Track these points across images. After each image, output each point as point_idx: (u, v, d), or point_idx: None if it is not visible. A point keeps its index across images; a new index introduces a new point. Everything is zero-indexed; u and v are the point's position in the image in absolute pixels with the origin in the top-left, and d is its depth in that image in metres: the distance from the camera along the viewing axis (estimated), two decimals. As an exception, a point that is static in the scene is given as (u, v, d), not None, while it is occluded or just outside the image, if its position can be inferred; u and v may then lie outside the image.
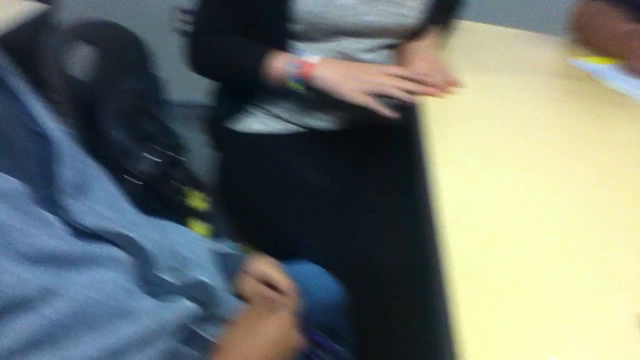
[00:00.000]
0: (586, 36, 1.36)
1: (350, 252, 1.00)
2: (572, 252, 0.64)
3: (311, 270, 0.96)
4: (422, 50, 1.14)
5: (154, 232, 0.69)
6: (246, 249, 0.94)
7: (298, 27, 1.09)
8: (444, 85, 1.04)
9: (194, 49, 1.15)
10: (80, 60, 1.13)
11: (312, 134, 1.20)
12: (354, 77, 1.03)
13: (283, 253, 0.93)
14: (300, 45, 1.12)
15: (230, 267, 0.79)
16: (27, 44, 1.25)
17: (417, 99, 1.02)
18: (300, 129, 1.20)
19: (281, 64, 1.05)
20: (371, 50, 1.14)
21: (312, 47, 1.11)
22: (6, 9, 1.49)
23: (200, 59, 1.16)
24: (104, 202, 0.67)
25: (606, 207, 0.73)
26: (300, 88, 1.06)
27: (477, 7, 1.29)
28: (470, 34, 1.37)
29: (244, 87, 1.17)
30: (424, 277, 0.67)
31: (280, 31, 1.09)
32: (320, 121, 1.18)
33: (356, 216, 1.04)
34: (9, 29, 1.38)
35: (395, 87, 1.01)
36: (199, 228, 1.07)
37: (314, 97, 1.10)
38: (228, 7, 1.10)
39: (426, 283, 0.67)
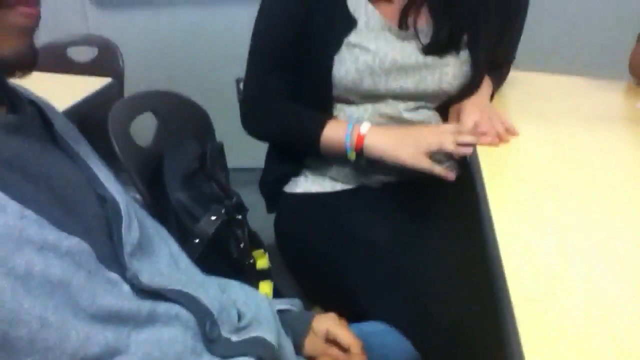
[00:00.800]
0: None
1: (418, 309, 0.97)
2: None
3: (380, 329, 0.94)
4: (474, 102, 1.14)
5: (217, 291, 0.70)
6: (308, 308, 0.94)
7: (337, 92, 1.12)
8: (501, 133, 1.03)
9: (248, 113, 1.19)
10: (143, 129, 1.19)
11: (367, 189, 1.19)
12: (410, 141, 1.04)
13: (350, 312, 0.91)
14: (343, 107, 1.14)
15: (294, 326, 0.78)
16: (96, 115, 1.34)
17: (474, 150, 1.01)
18: (351, 186, 1.20)
19: (336, 134, 1.07)
20: (414, 109, 1.15)
21: (356, 109, 1.14)
22: (79, 85, 1.60)
23: (257, 123, 1.19)
24: (168, 262, 0.68)
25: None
26: (354, 158, 1.08)
27: (529, 56, 1.28)
28: (525, 84, 1.36)
29: (299, 151, 1.19)
30: (497, 333, 0.64)
31: (323, 95, 1.13)
32: (374, 180, 1.18)
33: (421, 270, 1.02)
34: (80, 101, 1.48)
35: (452, 142, 1.01)
36: (263, 286, 1.07)
37: (370, 164, 1.11)
38: (275, 72, 1.14)
39: (500, 341, 0.64)
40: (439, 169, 1.03)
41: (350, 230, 1.12)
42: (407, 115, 1.13)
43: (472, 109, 1.11)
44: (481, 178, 0.87)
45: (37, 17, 0.55)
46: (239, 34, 2.33)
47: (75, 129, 0.71)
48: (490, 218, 0.74)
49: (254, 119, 1.19)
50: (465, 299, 0.95)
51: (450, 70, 1.11)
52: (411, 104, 1.14)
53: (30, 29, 0.55)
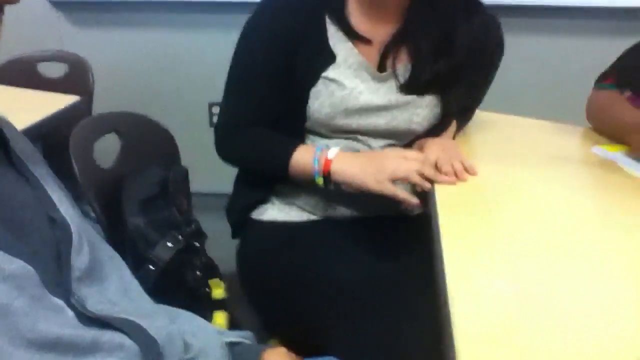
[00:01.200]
0: (599, 125, 1.37)
1: (376, 344, 0.97)
2: (595, 342, 0.61)
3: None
4: (437, 140, 1.16)
5: (166, 321, 0.69)
6: (265, 340, 0.93)
7: (309, 125, 1.14)
8: (459, 172, 1.05)
9: (222, 138, 1.20)
10: (107, 150, 1.18)
11: (333, 222, 1.20)
12: (375, 166, 1.05)
13: (305, 345, 0.91)
14: (316, 139, 1.15)
15: (244, 358, 0.78)
16: (58, 133, 1.32)
17: (434, 186, 1.02)
18: (318, 217, 1.21)
19: (304, 158, 1.08)
20: (385, 147, 1.17)
21: (328, 142, 1.15)
22: (47, 101, 1.58)
23: (230, 148, 1.20)
24: (118, 289, 0.67)
25: (634, 295, 0.70)
26: (321, 184, 1.08)
27: (493, 97, 1.32)
28: (487, 124, 1.39)
29: (269, 177, 1.20)
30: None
31: (297, 126, 1.15)
32: (340, 212, 1.19)
33: (379, 307, 1.02)
34: (47, 118, 1.46)
35: (416, 172, 1.02)
36: (217, 316, 1.06)
37: (337, 190, 1.12)
38: (253, 102, 1.15)
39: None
40: (402, 195, 1.04)
41: (312, 264, 1.12)
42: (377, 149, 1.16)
43: (434, 146, 1.13)
44: (436, 215, 0.89)
45: None
46: (213, 58, 2.34)
47: (34, 149, 0.70)
48: (441, 257, 0.75)
49: (227, 145, 1.20)
50: (418, 335, 0.95)
51: (421, 112, 1.14)
52: (381, 141, 1.16)
53: None
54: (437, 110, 1.16)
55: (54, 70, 2.04)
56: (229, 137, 1.19)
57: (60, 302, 0.56)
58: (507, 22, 1.22)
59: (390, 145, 1.17)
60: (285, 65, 1.11)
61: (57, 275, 0.58)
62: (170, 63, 2.44)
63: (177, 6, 2.34)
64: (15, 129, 0.69)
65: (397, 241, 1.18)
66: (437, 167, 1.07)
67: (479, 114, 1.38)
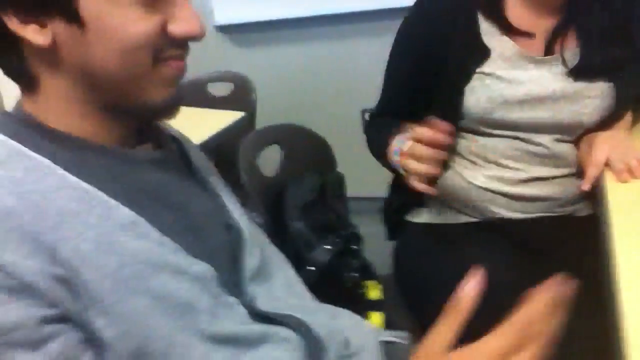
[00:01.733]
0: None
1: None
2: None
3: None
4: (609, 134, 1.07)
5: (327, 318, 0.72)
6: (421, 341, 0.92)
7: (466, 123, 1.10)
8: (635, 169, 0.96)
9: (367, 132, 1.23)
10: (270, 160, 1.27)
11: (491, 224, 1.16)
12: None
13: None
14: (475, 137, 1.12)
15: (397, 358, 0.79)
16: (226, 146, 1.44)
17: (605, 185, 0.95)
18: (476, 219, 1.18)
19: (391, 151, 1.06)
20: (548, 143, 1.10)
21: (489, 140, 1.11)
22: (216, 118, 1.74)
23: (367, 135, 1.23)
24: (283, 287, 0.72)
25: None
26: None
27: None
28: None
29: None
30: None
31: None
32: (499, 213, 1.15)
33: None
34: (216, 134, 1.61)
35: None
36: (374, 317, 1.08)
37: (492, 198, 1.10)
38: (404, 97, 1.16)
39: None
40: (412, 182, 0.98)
41: (467, 264, 1.09)
42: (541, 149, 1.09)
43: (605, 142, 1.05)
44: (608, 217, 0.82)
45: (185, 68, 0.62)
46: (365, 67, 2.40)
47: (209, 161, 0.78)
48: (614, 260, 0.70)
49: (366, 133, 1.23)
50: (581, 343, 0.88)
51: (590, 103, 1.05)
52: (546, 137, 1.09)
53: (178, 79, 0.62)
54: (609, 100, 1.06)
55: (221, 89, 2.23)
56: (368, 126, 1.23)
57: (233, 300, 0.62)
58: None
59: (557, 140, 1.09)
60: (439, 59, 1.09)
61: (231, 275, 0.65)
62: (324, 74, 2.53)
63: (327, 19, 2.43)
64: (193, 144, 0.78)
65: (560, 243, 1.11)
66: (607, 165, 0.99)
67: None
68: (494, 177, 1.11)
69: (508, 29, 1.06)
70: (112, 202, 0.55)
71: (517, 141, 1.09)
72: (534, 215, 1.13)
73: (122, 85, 0.57)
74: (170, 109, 0.63)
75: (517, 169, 1.10)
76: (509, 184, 1.11)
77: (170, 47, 0.58)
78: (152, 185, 0.61)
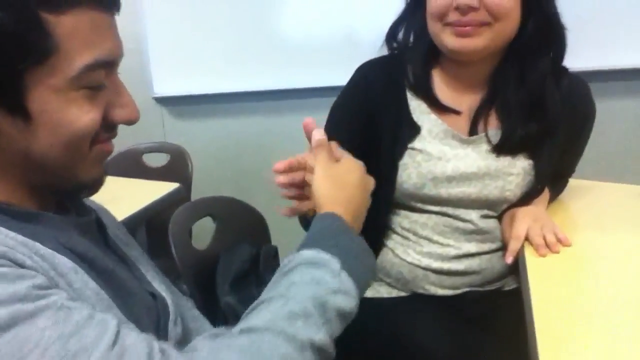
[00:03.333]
0: None
1: None
2: None
3: None
4: (529, 209, 1.13)
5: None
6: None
7: (398, 197, 1.14)
8: (552, 244, 1.01)
9: None
10: (203, 232, 1.25)
11: (422, 298, 1.18)
12: None
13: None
14: (407, 214, 1.16)
15: None
16: (161, 217, 1.42)
17: (524, 258, 0.99)
18: (409, 294, 1.19)
19: None
20: (475, 219, 1.14)
21: (419, 216, 1.15)
22: (150, 189, 1.71)
23: None
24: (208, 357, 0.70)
25: None
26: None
27: (587, 164, 1.27)
28: (582, 191, 1.33)
29: None
30: None
31: (385, 199, 1.14)
32: (429, 288, 1.17)
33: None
34: (149, 204, 1.58)
35: None
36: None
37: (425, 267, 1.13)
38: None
39: None
40: None
41: (402, 339, 1.10)
42: (467, 225, 1.13)
43: (525, 217, 1.10)
44: (528, 291, 0.85)
45: (113, 147, 0.64)
46: (299, 141, 2.44)
47: (126, 232, 0.79)
48: (533, 332, 0.72)
49: None
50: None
51: (513, 179, 1.11)
52: (473, 213, 1.13)
53: (107, 158, 0.64)
54: (529, 177, 1.12)
55: (157, 160, 2.22)
56: None
57: None
58: (598, 87, 1.20)
59: (484, 216, 1.14)
60: (369, 136, 1.14)
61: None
62: (259, 147, 2.56)
63: (262, 94, 2.49)
64: (110, 215, 0.78)
65: (490, 315, 1.14)
66: (527, 239, 1.04)
67: (574, 182, 1.33)
68: (425, 253, 1.14)
69: (436, 105, 1.12)
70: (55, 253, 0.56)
71: (446, 217, 1.13)
72: (464, 290, 1.16)
73: (57, 170, 0.59)
74: (96, 186, 0.64)
75: (447, 245, 1.13)
76: (439, 259, 1.14)
77: (105, 131, 0.60)
78: (80, 248, 0.61)
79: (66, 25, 0.54)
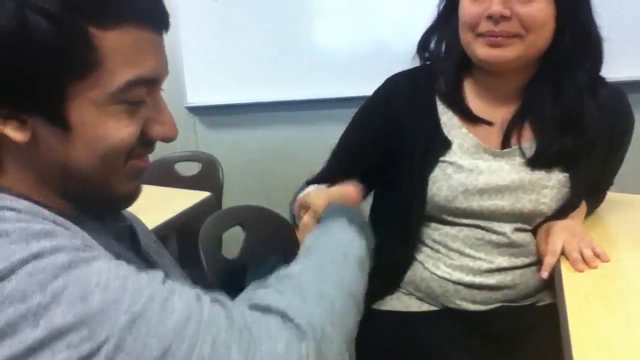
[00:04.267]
0: None
1: None
2: None
3: None
4: (565, 224, 1.10)
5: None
6: None
7: (429, 211, 1.12)
8: (589, 259, 0.98)
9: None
10: (232, 241, 1.26)
11: (453, 312, 1.16)
12: None
13: None
14: (438, 226, 1.14)
15: None
16: (192, 226, 1.43)
17: (561, 273, 0.96)
18: (440, 308, 1.17)
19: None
20: (509, 232, 1.11)
21: (450, 229, 1.13)
22: (182, 198, 1.73)
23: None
24: None
25: None
26: None
27: (627, 177, 1.23)
28: (621, 205, 1.30)
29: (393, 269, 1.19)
30: None
31: (417, 214, 1.12)
32: (461, 304, 1.15)
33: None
34: (180, 213, 1.59)
35: None
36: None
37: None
38: (348, 170, 1.15)
39: None
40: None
41: (431, 355, 1.08)
42: (501, 238, 1.11)
43: (562, 231, 1.07)
44: (563, 305, 0.83)
45: (149, 162, 0.65)
46: (328, 151, 2.44)
47: (157, 240, 0.79)
48: (569, 350, 0.69)
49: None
50: None
51: (548, 192, 1.08)
52: (507, 226, 1.10)
53: (143, 173, 0.65)
54: (565, 190, 1.09)
55: (189, 169, 2.24)
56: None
57: None
58: (636, 98, 1.17)
59: (517, 229, 1.11)
60: (391, 146, 1.13)
61: None
62: (290, 157, 2.57)
63: (294, 104, 2.50)
64: (143, 226, 0.79)
65: (523, 333, 1.11)
66: (563, 253, 1.01)
67: (612, 195, 1.29)
68: (456, 267, 1.12)
69: (468, 116, 1.11)
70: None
71: (478, 230, 1.11)
72: (496, 306, 1.13)
73: (93, 182, 0.59)
74: (130, 200, 0.65)
75: (479, 259, 1.11)
76: (470, 273, 1.11)
77: (141, 146, 0.61)
78: (116, 250, 0.61)
79: (111, 41, 0.54)
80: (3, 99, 0.53)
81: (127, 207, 0.67)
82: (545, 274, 1.03)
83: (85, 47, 0.53)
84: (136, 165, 0.62)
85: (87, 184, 0.59)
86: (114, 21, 0.54)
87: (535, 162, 1.08)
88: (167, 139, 0.63)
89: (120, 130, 0.57)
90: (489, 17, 0.99)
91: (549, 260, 1.03)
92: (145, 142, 0.61)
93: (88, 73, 0.54)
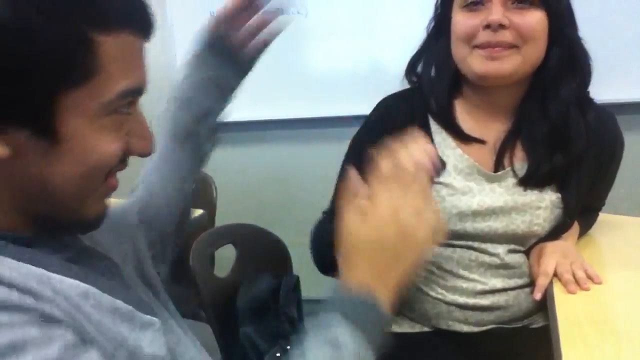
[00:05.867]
0: None
1: None
2: None
3: None
4: (557, 245, 1.10)
5: None
6: None
7: None
8: (581, 280, 0.98)
9: (316, 229, 1.21)
10: (223, 260, 1.25)
11: (444, 332, 1.15)
12: None
13: None
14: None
15: None
16: (184, 243, 1.42)
17: (553, 295, 0.96)
18: (432, 330, 1.16)
19: None
20: (502, 254, 1.11)
21: (443, 250, 1.12)
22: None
23: (316, 236, 1.21)
24: None
25: None
26: None
27: (618, 199, 1.24)
28: (613, 227, 1.30)
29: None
30: None
31: None
32: (453, 325, 1.14)
33: None
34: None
35: None
36: None
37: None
38: None
39: None
40: None
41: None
42: (495, 259, 1.10)
43: (554, 252, 1.07)
44: (556, 327, 0.82)
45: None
46: (323, 170, 2.44)
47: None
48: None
49: (316, 235, 1.21)
50: None
51: (541, 213, 1.09)
52: (500, 248, 1.10)
53: (112, 193, 0.61)
54: (558, 210, 1.10)
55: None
56: (318, 224, 1.20)
57: None
58: (629, 119, 1.17)
59: (510, 251, 1.11)
60: None
61: None
62: (283, 176, 2.57)
63: (288, 123, 2.50)
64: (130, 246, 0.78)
65: (515, 355, 1.10)
66: (556, 275, 1.01)
67: (604, 217, 1.29)
68: (450, 288, 1.11)
69: (460, 136, 1.11)
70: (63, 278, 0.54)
71: (471, 251, 1.11)
72: (489, 327, 1.12)
73: (66, 202, 0.56)
74: (98, 223, 0.61)
75: (472, 280, 1.11)
76: (464, 294, 1.11)
77: (119, 162, 0.58)
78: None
79: (110, 47, 0.51)
80: None
81: (93, 230, 0.62)
82: (538, 296, 1.03)
83: (86, 53, 0.50)
84: (110, 184, 0.58)
85: (59, 205, 0.55)
86: (113, 25, 0.51)
87: (527, 182, 1.09)
88: (145, 154, 0.59)
89: (109, 144, 0.54)
90: (487, 27, 0.99)
91: (541, 282, 1.03)
92: (123, 157, 0.58)
93: (86, 81, 0.50)
